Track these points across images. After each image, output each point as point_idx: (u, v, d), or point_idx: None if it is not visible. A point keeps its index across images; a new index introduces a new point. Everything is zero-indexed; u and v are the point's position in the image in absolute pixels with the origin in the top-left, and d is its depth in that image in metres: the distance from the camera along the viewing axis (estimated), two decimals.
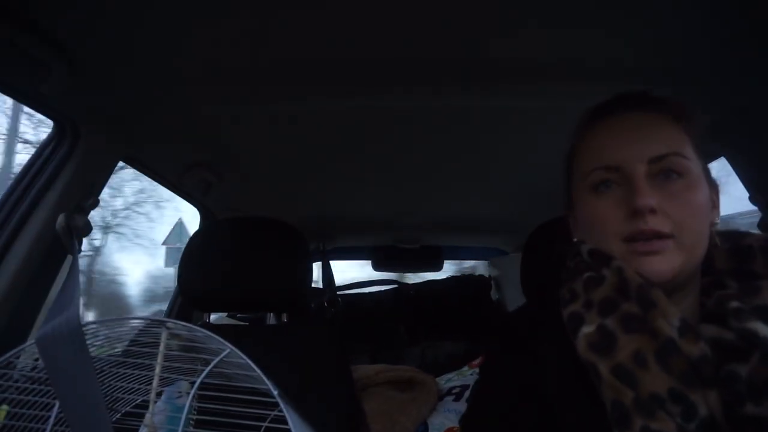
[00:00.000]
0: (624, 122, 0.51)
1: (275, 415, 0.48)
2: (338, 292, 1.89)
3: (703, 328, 0.45)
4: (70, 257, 0.72)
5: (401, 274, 2.30)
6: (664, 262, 0.46)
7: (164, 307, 1.52)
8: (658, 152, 0.48)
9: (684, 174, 0.48)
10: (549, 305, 0.54)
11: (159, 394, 0.52)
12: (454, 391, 1.07)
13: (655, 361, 0.43)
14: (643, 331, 0.45)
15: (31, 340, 0.49)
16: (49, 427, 0.46)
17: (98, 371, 0.47)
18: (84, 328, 0.48)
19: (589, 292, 0.50)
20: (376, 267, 2.27)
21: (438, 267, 2.27)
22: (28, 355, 0.50)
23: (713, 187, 0.52)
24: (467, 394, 1.04)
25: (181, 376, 0.50)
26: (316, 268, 1.99)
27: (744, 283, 0.48)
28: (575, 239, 0.58)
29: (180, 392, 0.63)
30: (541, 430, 0.48)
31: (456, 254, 2.37)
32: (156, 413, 0.52)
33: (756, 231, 0.86)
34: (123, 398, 0.51)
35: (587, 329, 0.47)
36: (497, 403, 0.53)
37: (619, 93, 0.54)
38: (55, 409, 0.47)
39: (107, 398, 0.48)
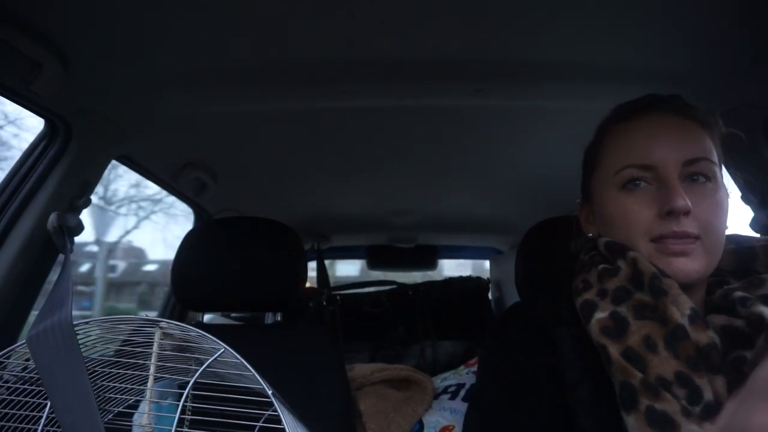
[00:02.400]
0: (658, 123, 0.52)
1: (269, 415, 0.47)
2: (338, 292, 1.89)
3: (712, 317, 0.47)
4: (62, 256, 0.71)
5: (405, 275, 2.30)
6: (691, 263, 0.47)
7: None
8: (693, 155, 0.49)
9: (712, 178, 0.50)
10: (562, 296, 0.55)
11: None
12: (449, 390, 1.07)
13: (664, 346, 0.44)
14: (654, 318, 0.46)
15: (22, 340, 0.48)
16: (40, 428, 0.46)
17: (90, 371, 0.46)
18: (76, 328, 0.47)
19: (603, 282, 0.51)
20: (371, 266, 2.27)
21: (433, 266, 2.27)
22: (19, 355, 0.49)
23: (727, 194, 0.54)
24: (463, 392, 1.04)
25: (174, 376, 0.50)
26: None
27: (748, 278, 0.49)
28: (590, 234, 0.59)
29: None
30: (560, 411, 0.48)
31: (451, 253, 2.38)
32: (148, 413, 0.52)
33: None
34: (115, 398, 0.51)
35: (600, 315, 0.48)
36: (516, 380, 0.52)
37: (650, 94, 0.55)
38: (47, 410, 0.46)
39: (99, 399, 0.47)
